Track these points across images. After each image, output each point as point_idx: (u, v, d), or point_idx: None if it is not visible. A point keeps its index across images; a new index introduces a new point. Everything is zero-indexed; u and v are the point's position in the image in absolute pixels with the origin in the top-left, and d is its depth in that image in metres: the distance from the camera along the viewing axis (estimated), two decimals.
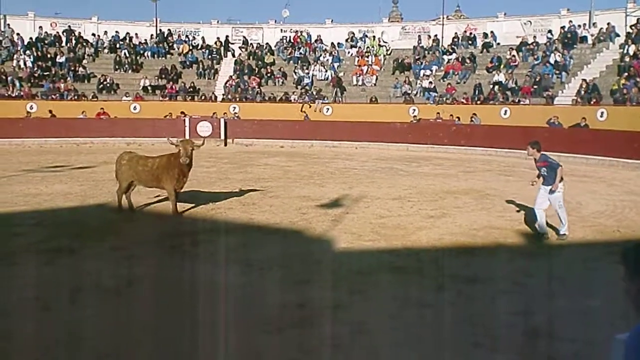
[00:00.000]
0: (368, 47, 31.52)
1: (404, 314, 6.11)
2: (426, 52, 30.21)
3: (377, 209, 11.31)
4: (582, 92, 23.79)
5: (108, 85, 28.66)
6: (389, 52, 31.24)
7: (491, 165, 19.03)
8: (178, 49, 32.17)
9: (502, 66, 27.44)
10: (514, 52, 27.72)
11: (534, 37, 28.57)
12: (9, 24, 31.29)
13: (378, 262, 7.89)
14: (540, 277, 7.38)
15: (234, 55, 32.03)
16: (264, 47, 32.29)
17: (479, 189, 13.54)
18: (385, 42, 31.76)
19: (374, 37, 32.04)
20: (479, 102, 25.91)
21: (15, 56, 28.90)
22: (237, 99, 28.70)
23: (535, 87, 25.37)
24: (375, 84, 29.55)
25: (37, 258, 7.92)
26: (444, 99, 26.78)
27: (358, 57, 31.13)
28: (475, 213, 10.99)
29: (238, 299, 6.49)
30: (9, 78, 27.45)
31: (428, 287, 6.88)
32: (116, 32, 32.21)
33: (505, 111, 24.46)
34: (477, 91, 26.49)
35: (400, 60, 30.02)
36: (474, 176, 16.22)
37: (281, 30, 34.01)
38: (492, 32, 30.10)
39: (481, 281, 7.12)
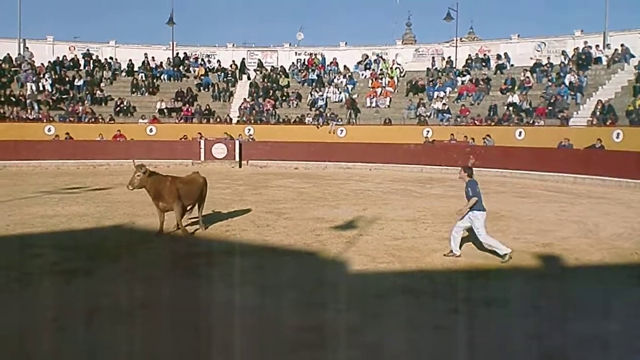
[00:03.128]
0: (382, 69, 31.68)
1: (418, 337, 6.07)
2: (440, 73, 30.29)
3: (391, 231, 11.30)
4: (598, 113, 23.68)
5: (125, 107, 28.99)
6: (402, 74, 31.36)
7: (505, 186, 18.95)
8: (194, 72, 32.53)
9: (516, 87, 27.42)
10: (528, 74, 27.71)
11: (548, 58, 28.57)
12: (27, 47, 31.86)
13: (392, 285, 7.86)
14: (557, 300, 7.32)
15: (249, 78, 32.33)
16: (279, 70, 32.57)
17: (494, 211, 13.48)
18: (399, 64, 31.89)
19: (387, 59, 32.23)
20: (493, 123, 25.87)
21: (34, 79, 29.33)
22: (252, 121, 28.90)
23: (549, 108, 25.31)
24: (389, 106, 29.63)
25: (54, 279, 7.99)
26: (458, 120, 26.79)
27: (372, 79, 31.27)
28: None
29: (253, 321, 6.49)
30: (28, 101, 27.85)
31: (443, 310, 6.84)
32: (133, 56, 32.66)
33: (520, 132, 24.39)
34: (491, 112, 26.46)
35: (414, 82, 30.11)
36: (489, 198, 16.12)
37: (296, 53, 34.33)
38: (505, 53, 30.14)
39: (497, 304, 7.07)
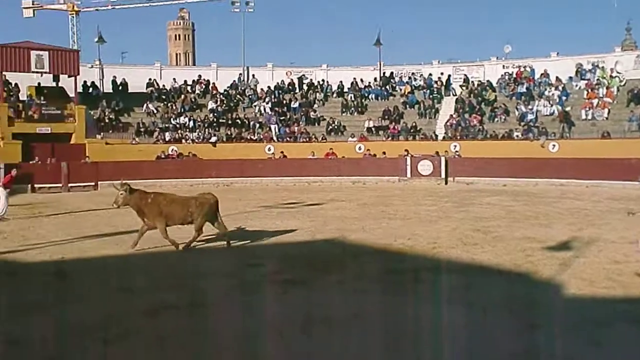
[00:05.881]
0: (598, 78, 29.56)
1: None
2: None
3: (611, 253, 10.49)
4: None
5: (336, 127, 30.40)
6: (622, 83, 28.96)
7: None
8: (400, 90, 33.13)
9: None
10: None
11: None
12: (253, 75, 34.95)
13: (614, 312, 7.31)
14: None
15: (454, 94, 32.10)
16: (486, 84, 31.90)
17: None
18: (619, 73, 29.52)
19: (605, 67, 30.00)
20: None
21: (255, 103, 32.00)
22: (458, 137, 28.61)
23: None
24: (607, 118, 27.54)
25: (273, 288, 8.65)
26: None
27: (587, 89, 29.31)
28: None
29: (462, 341, 6.46)
30: (251, 123, 30.45)
31: None
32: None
33: None
34: None
35: (635, 92, 27.64)
36: None
37: (503, 66, 33.43)
38: None
39: None
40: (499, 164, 25.04)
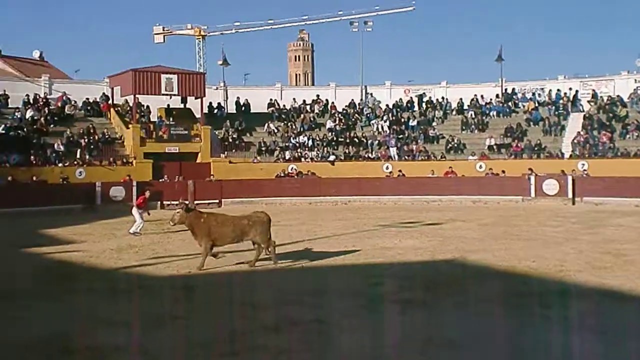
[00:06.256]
0: None
1: None
2: None
3: None
4: None
5: (455, 145, 29.92)
6: None
7: None
8: (523, 107, 32.08)
9: None
10: None
11: None
12: (371, 93, 35.24)
13: None
14: None
15: (582, 110, 30.63)
16: (616, 100, 30.19)
17: None
18: None
19: None
20: None
21: (373, 121, 32.19)
22: (586, 155, 27.23)
23: None
24: None
25: (392, 307, 8.65)
26: None
27: None
28: None
29: None
30: (369, 141, 30.64)
31: None
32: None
33: None
34: None
35: None
36: None
37: (635, 80, 31.50)
38: None
39: None
40: (631, 184, 23.52)
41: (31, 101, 28.21)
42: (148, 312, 8.58)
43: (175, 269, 11.47)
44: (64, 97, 29.51)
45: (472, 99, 32.87)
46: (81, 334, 7.44)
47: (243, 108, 33.13)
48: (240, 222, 11.41)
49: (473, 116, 31.87)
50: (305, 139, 30.82)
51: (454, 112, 32.91)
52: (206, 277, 10.82)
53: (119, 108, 29.58)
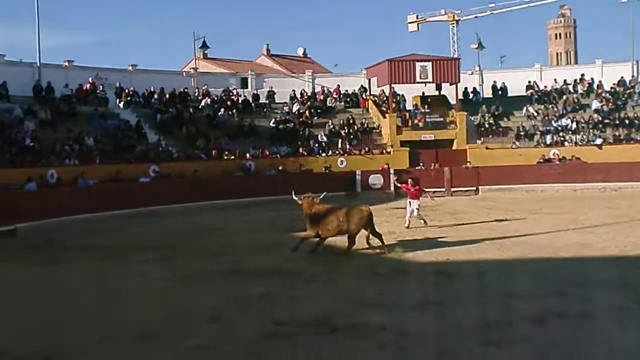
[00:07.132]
0: None
1: None
2: None
3: None
4: None
5: None
6: None
7: None
8: None
9: None
10: None
11: None
12: None
13: None
14: None
15: None
16: None
17: None
18: None
19: None
20: None
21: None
22: None
23: None
24: None
25: None
26: None
27: None
28: None
29: None
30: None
31: None
32: None
33: None
34: None
35: None
36: None
37: None
38: None
39: None
40: None
41: (297, 96, 30.65)
42: (409, 296, 8.80)
43: (434, 255, 11.59)
44: (325, 91, 31.53)
45: None
46: (345, 314, 7.90)
47: (500, 92, 32.10)
48: (339, 213, 12.00)
49: None
50: (569, 121, 28.84)
51: None
52: (464, 264, 10.82)
53: (376, 98, 30.69)
